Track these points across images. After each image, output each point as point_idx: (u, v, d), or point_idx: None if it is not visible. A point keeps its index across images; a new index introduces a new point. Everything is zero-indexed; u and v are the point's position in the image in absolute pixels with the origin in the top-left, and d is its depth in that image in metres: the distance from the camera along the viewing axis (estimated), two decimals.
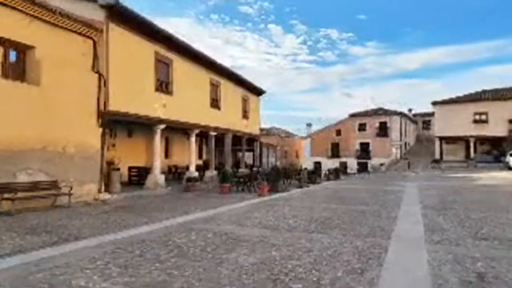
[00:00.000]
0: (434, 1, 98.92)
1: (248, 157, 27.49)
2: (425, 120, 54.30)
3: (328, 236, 5.85)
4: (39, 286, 3.52)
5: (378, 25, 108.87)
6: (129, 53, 12.39)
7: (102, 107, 11.11)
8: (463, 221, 7.15)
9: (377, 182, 19.64)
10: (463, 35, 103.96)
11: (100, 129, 11.18)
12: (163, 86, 14.37)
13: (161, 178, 14.12)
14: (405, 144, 46.62)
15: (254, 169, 21.66)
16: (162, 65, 14.34)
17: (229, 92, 20.55)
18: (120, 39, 11.88)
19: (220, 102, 19.31)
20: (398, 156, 41.98)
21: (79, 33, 10.50)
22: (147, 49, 13.41)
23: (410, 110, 53.29)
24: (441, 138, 34.74)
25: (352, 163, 42.68)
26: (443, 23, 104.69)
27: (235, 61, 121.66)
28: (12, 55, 9.41)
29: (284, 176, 16.75)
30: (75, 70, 10.46)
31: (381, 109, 46.78)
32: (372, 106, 63.49)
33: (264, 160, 33.19)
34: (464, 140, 33.48)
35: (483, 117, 32.26)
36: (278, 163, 38.88)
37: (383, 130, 43.29)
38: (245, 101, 23.08)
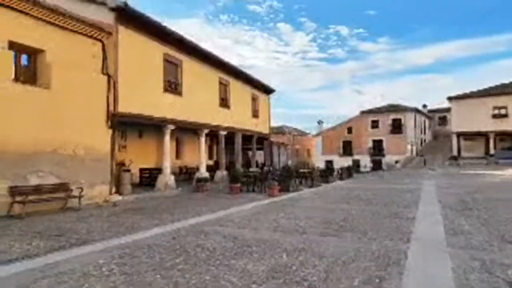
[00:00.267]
0: None
1: (259, 156, 27.26)
2: (440, 116, 53.01)
3: (342, 240, 5.58)
4: None
5: (388, 21, 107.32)
6: (138, 54, 12.32)
7: (111, 109, 11.05)
8: (487, 222, 6.76)
9: (392, 180, 19.15)
10: (476, 29, 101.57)
11: (110, 131, 11.12)
12: (172, 86, 14.27)
13: (172, 179, 14.02)
14: (421, 140, 45.62)
15: (265, 168, 21.42)
16: (171, 66, 14.24)
17: (239, 91, 20.37)
18: (129, 41, 11.83)
19: (230, 101, 19.14)
20: (414, 153, 41.08)
21: (89, 36, 10.47)
22: (156, 50, 13.32)
23: (424, 106, 52.08)
24: (459, 134, 33.78)
25: (365, 161, 41.98)
26: (455, 17, 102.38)
27: (244, 60, 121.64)
28: (23, 59, 9.45)
29: (295, 175, 16.44)
30: (85, 73, 10.43)
31: (394, 105, 45.84)
32: (384, 103, 62.29)
33: (275, 159, 32.89)
34: (483, 135, 32.46)
35: (503, 111, 31.18)
36: (289, 162, 38.54)
37: (397, 127, 42.39)
38: (254, 100, 22.86)
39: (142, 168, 16.07)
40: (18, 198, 8.22)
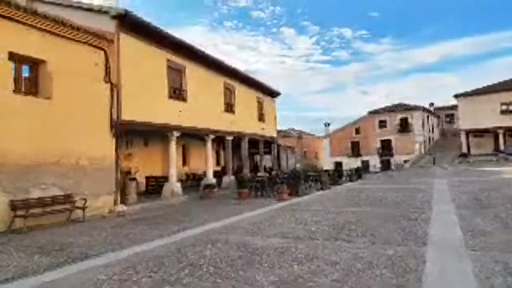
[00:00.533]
0: None
1: (266, 161, 27.02)
2: (448, 114, 52.35)
3: (355, 245, 5.33)
4: None
5: (391, 21, 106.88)
6: (141, 61, 12.24)
7: (115, 117, 10.95)
8: (506, 222, 6.45)
9: (403, 180, 18.76)
10: (479, 26, 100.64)
11: (114, 140, 11.01)
12: (177, 93, 14.16)
13: (178, 187, 13.86)
14: (429, 139, 44.99)
15: (273, 172, 21.17)
16: (175, 72, 14.14)
17: (244, 96, 20.21)
18: (131, 48, 11.75)
19: (235, 106, 18.98)
20: (422, 151, 40.47)
21: (90, 45, 10.39)
22: (159, 57, 13.23)
23: (431, 104, 51.48)
24: (467, 132, 33.20)
25: (374, 161, 41.49)
26: (458, 15, 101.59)
27: (249, 65, 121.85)
28: (24, 70, 9.38)
29: (304, 178, 16.18)
30: (87, 81, 10.34)
31: (401, 104, 45.32)
32: (389, 103, 61.72)
33: (283, 162, 32.61)
34: (492, 132, 31.84)
35: (511, 107, 30.58)
36: (297, 165, 38.21)
37: (404, 126, 41.88)
38: (260, 103, 22.68)
39: (148, 176, 15.95)
40: (19, 212, 8.02)
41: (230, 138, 18.46)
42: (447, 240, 5.40)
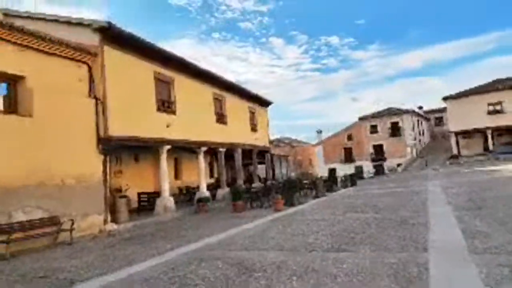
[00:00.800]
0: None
1: (260, 171, 26.79)
2: (437, 117, 52.98)
3: (355, 255, 5.12)
4: None
5: (377, 28, 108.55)
6: (127, 75, 12.03)
7: (102, 133, 10.67)
8: (505, 222, 6.31)
9: (397, 184, 18.69)
10: (462, 30, 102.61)
11: (102, 156, 10.71)
12: (166, 105, 13.95)
13: (171, 202, 13.53)
14: (420, 142, 45.33)
15: (268, 182, 20.95)
16: (163, 84, 13.96)
17: (235, 106, 20.08)
18: (116, 61, 11.54)
19: (226, 116, 18.81)
20: (414, 155, 40.71)
21: (73, 59, 10.18)
22: (146, 70, 13.05)
23: (420, 107, 52.08)
24: (457, 133, 33.53)
25: (368, 167, 41.48)
26: (441, 20, 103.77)
27: (239, 76, 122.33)
28: (2, 87, 9.07)
29: (299, 187, 15.99)
30: (71, 97, 10.09)
31: (391, 109, 45.72)
32: (378, 108, 62.33)
33: (277, 171, 32.40)
34: (481, 132, 32.21)
35: (498, 107, 31.05)
36: (292, 173, 38.03)
37: (395, 130, 42.20)
38: (252, 113, 22.58)
39: (140, 192, 15.58)
40: (0, 238, 7.59)
41: (222, 149, 18.24)
42: (448, 244, 5.23)
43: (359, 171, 33.86)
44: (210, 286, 4.25)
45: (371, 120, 44.28)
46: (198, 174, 16.79)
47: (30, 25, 10.15)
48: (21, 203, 8.43)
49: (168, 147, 13.73)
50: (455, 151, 33.85)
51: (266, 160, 25.11)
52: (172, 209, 13.41)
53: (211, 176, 23.95)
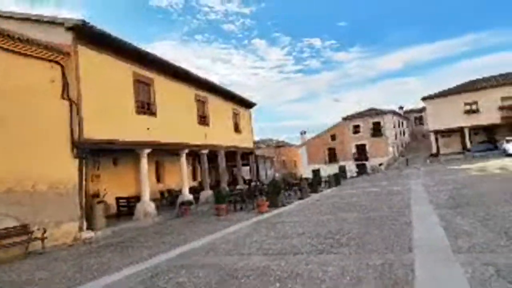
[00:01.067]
0: (410, 3, 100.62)
1: (245, 172, 26.57)
2: (417, 116, 54.17)
3: (340, 256, 5.00)
4: None
5: (358, 30, 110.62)
6: (104, 75, 11.59)
7: (76, 136, 10.22)
8: (486, 220, 6.33)
9: (380, 183, 18.83)
10: (440, 32, 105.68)
11: (77, 161, 10.25)
12: (145, 107, 13.56)
13: (151, 206, 13.12)
14: (401, 141, 46.15)
15: (252, 184, 20.75)
16: (142, 86, 13.56)
17: (218, 108, 19.81)
18: (92, 61, 11.10)
19: (209, 118, 18.51)
20: (396, 154, 41.38)
21: (44, 59, 9.68)
22: (124, 70, 12.63)
23: (401, 107, 53.10)
24: (436, 132, 34.28)
25: (351, 166, 41.93)
26: (420, 22, 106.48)
27: (223, 78, 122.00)
28: None
29: (283, 188, 15.87)
30: (43, 99, 9.60)
31: (373, 109, 46.39)
32: (362, 108, 63.21)
33: (262, 173, 32.26)
34: (459, 131, 33.04)
35: (474, 106, 31.92)
36: (277, 174, 37.98)
37: (377, 130, 42.79)
38: (235, 115, 22.35)
39: (118, 197, 15.10)
40: None
41: (205, 151, 17.93)
42: (432, 244, 5.17)
43: (342, 171, 34.15)
44: None
45: (354, 120, 44.77)
46: (181, 177, 16.42)
47: (2, 25, 9.64)
48: None
49: (148, 150, 13.34)
50: (434, 150, 34.57)
51: (250, 162, 24.91)
52: (153, 213, 13.01)
53: (194, 179, 23.58)
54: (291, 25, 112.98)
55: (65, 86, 10.11)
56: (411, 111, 54.47)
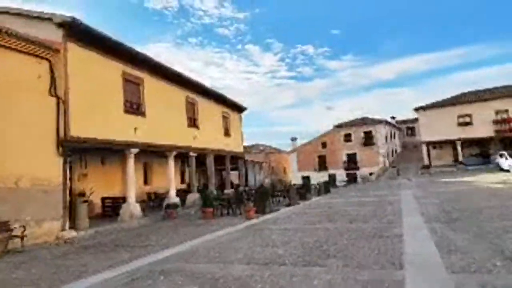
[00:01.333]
0: (404, 13, 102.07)
1: (234, 177, 26.29)
2: (409, 127, 54.54)
3: (326, 270, 4.77)
4: None
5: (351, 39, 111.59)
6: (92, 73, 11.30)
7: (62, 134, 9.88)
8: (479, 235, 6.18)
9: (369, 192, 18.74)
10: (433, 44, 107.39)
11: (62, 159, 9.91)
12: (134, 107, 13.25)
13: (137, 208, 12.78)
14: (392, 151, 46.35)
15: (240, 189, 20.47)
16: (132, 85, 13.27)
17: (208, 110, 19.56)
18: (81, 59, 10.81)
19: (199, 121, 18.25)
20: (387, 164, 41.49)
21: (31, 54, 9.39)
22: (114, 69, 12.34)
23: (393, 117, 53.40)
24: (428, 143, 34.42)
25: (341, 175, 41.90)
26: (413, 33, 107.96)
27: (215, 81, 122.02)
28: None
29: (271, 194, 15.64)
30: (29, 95, 9.30)
31: (365, 118, 46.59)
32: (352, 117, 63.45)
33: (250, 178, 32.02)
34: (451, 143, 33.21)
35: (467, 119, 32.11)
36: (266, 180, 37.75)
37: (368, 139, 42.89)
38: (226, 118, 22.12)
39: (104, 197, 14.70)
40: None
41: (194, 154, 17.63)
42: (424, 260, 4.97)
43: (332, 179, 34.06)
44: None
45: (345, 129, 44.85)
46: (168, 179, 16.09)
47: None
48: None
49: (136, 150, 13.03)
50: (426, 161, 34.69)
51: (239, 166, 24.66)
52: (138, 215, 12.67)
53: (183, 181, 23.23)
54: (284, 31, 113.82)
55: (53, 82, 9.81)
56: (404, 121, 54.84)
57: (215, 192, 18.10)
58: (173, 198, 15.41)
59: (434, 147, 34.87)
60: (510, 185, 15.37)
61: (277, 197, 16.67)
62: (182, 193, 18.31)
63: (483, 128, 30.90)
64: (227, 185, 22.33)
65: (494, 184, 16.13)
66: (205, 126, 18.79)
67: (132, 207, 12.63)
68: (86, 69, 11.00)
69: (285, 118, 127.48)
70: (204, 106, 19.08)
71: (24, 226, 8.34)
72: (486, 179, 19.19)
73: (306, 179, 39.29)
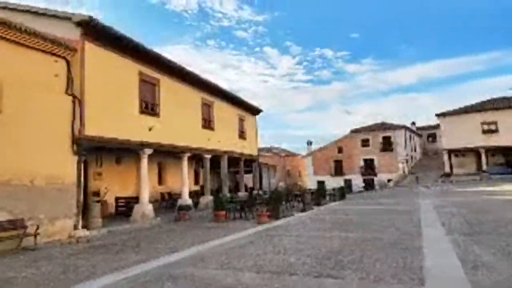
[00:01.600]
0: (425, 17, 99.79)
1: (248, 180, 26.12)
2: (430, 133, 52.98)
3: (340, 282, 4.49)
4: None
5: (371, 43, 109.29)
6: (109, 73, 11.35)
7: (77, 133, 9.93)
8: (506, 250, 5.75)
9: (387, 200, 18.17)
10: (455, 49, 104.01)
11: (76, 157, 9.95)
12: (149, 107, 13.26)
13: (149, 209, 12.74)
14: (412, 158, 45.10)
15: (254, 192, 20.26)
16: (148, 86, 13.28)
17: (223, 112, 19.46)
18: (98, 58, 10.87)
19: (214, 122, 18.17)
20: (406, 171, 40.39)
21: (49, 53, 9.47)
22: (130, 69, 12.38)
23: (413, 123, 52.01)
24: (450, 151, 33.27)
25: (358, 180, 41.08)
26: (435, 38, 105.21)
27: (232, 84, 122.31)
28: None
29: (285, 199, 15.35)
30: (46, 93, 9.37)
31: (384, 123, 45.53)
32: (371, 122, 62.05)
33: (265, 181, 31.75)
34: (474, 151, 31.98)
35: (492, 126, 30.85)
36: (281, 183, 37.40)
37: (387, 145, 41.85)
38: (241, 121, 21.97)
39: (118, 197, 14.77)
40: None
41: (208, 156, 17.54)
42: (447, 276, 4.62)
43: (348, 185, 33.40)
44: None
45: (363, 134, 43.97)
46: (181, 181, 16.03)
47: (8, 17, 9.44)
48: None
49: (150, 151, 13.01)
50: (447, 169, 33.57)
51: (253, 169, 24.45)
52: (151, 216, 12.62)
53: (197, 183, 23.21)
54: (303, 34, 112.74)
55: (70, 81, 9.86)
56: (424, 127, 53.34)
57: (228, 195, 17.94)
58: (186, 199, 15.33)
59: (456, 155, 33.69)
60: None
61: (291, 201, 16.35)
62: (195, 195, 18.26)
63: (509, 136, 29.59)
64: (241, 188, 22.15)
65: None
66: (220, 128, 18.69)
67: (145, 207, 12.60)
68: (102, 68, 11.06)
69: (301, 122, 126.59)
70: (220, 108, 19.00)
71: (37, 225, 8.37)
72: None
73: (321, 183, 38.70)
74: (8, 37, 8.40)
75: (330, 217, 11.94)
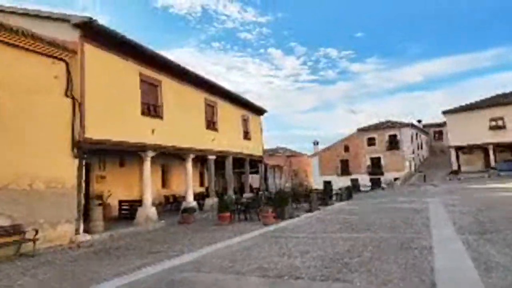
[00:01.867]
0: (429, 15, 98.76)
1: (254, 180, 25.91)
2: (436, 131, 52.35)
3: (348, 286, 4.28)
4: None
5: (376, 42, 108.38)
6: (109, 75, 11.23)
7: (77, 136, 9.81)
8: None
9: (395, 199, 17.85)
10: (460, 46, 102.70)
11: (77, 160, 9.83)
12: (151, 109, 13.13)
13: (153, 212, 12.59)
14: (418, 156, 44.57)
15: (260, 193, 20.04)
16: (149, 87, 13.16)
17: (227, 113, 19.29)
18: (98, 60, 10.75)
19: (218, 123, 18.01)
20: (413, 169, 39.89)
21: (48, 55, 9.36)
22: (131, 70, 12.26)
23: (419, 121, 51.41)
24: (457, 148, 32.78)
25: (364, 180, 40.64)
26: (440, 35, 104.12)
27: (237, 85, 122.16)
28: None
29: (291, 199, 15.11)
30: (45, 96, 9.26)
31: (389, 121, 45.01)
32: (376, 121, 61.45)
33: (270, 181, 31.52)
34: (482, 148, 31.46)
35: (500, 122, 30.32)
36: (287, 184, 37.12)
37: (393, 143, 41.37)
38: (245, 121, 21.79)
39: (121, 200, 14.66)
40: None
41: (212, 157, 17.38)
42: (459, 278, 4.39)
43: (355, 184, 33.04)
44: None
45: (369, 132, 43.54)
46: (185, 183, 15.88)
47: (6, 20, 9.39)
48: None
49: (153, 153, 12.88)
50: (455, 167, 33.07)
51: (259, 170, 24.24)
52: (154, 219, 12.47)
53: (202, 184, 23.06)
54: (307, 35, 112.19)
55: (69, 83, 9.75)
56: (431, 125, 52.70)
57: (233, 196, 17.75)
58: (191, 202, 15.18)
59: (464, 152, 33.17)
60: None
61: (297, 202, 16.11)
62: (200, 197, 18.11)
63: None
64: (247, 189, 21.95)
65: None
66: (224, 128, 18.53)
67: (148, 210, 12.45)
68: (103, 70, 10.95)
69: (306, 122, 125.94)
70: (223, 109, 18.83)
71: (36, 230, 8.22)
72: None
73: (328, 183, 38.37)
74: (5, 39, 8.30)
75: (337, 218, 11.70)
